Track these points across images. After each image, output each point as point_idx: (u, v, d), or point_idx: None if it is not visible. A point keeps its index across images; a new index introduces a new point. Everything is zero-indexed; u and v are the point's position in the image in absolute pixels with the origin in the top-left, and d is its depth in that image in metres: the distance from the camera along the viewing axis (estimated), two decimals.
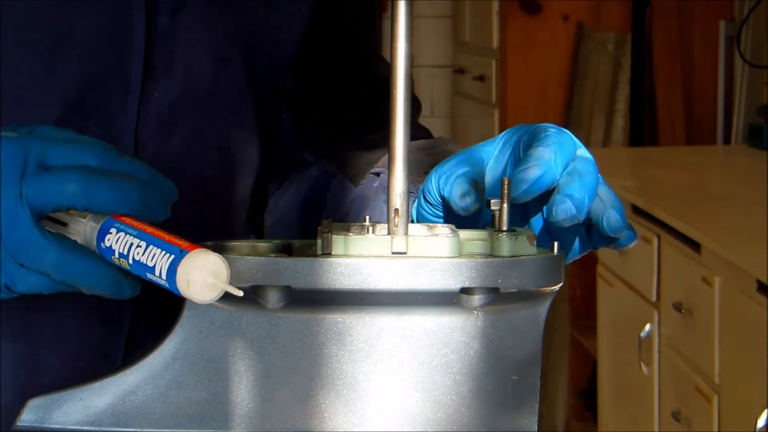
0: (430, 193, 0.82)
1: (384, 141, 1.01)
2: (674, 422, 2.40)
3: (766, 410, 1.97)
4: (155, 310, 0.97)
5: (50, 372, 0.94)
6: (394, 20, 0.70)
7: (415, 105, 1.14)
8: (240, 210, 1.04)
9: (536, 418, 0.74)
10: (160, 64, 0.94)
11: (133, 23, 0.92)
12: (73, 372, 0.95)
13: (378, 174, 0.99)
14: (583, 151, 0.80)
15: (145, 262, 0.70)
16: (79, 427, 0.73)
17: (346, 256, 0.70)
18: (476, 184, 0.78)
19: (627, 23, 3.62)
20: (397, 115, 0.71)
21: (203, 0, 0.96)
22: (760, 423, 1.98)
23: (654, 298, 2.53)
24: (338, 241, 0.70)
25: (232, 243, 0.74)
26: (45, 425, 0.73)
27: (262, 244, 0.74)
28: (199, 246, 0.69)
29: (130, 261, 0.70)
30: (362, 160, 1.02)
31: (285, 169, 1.09)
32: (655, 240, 2.50)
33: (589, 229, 0.81)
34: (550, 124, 0.81)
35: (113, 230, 0.72)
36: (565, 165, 0.77)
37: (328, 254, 0.70)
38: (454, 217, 0.81)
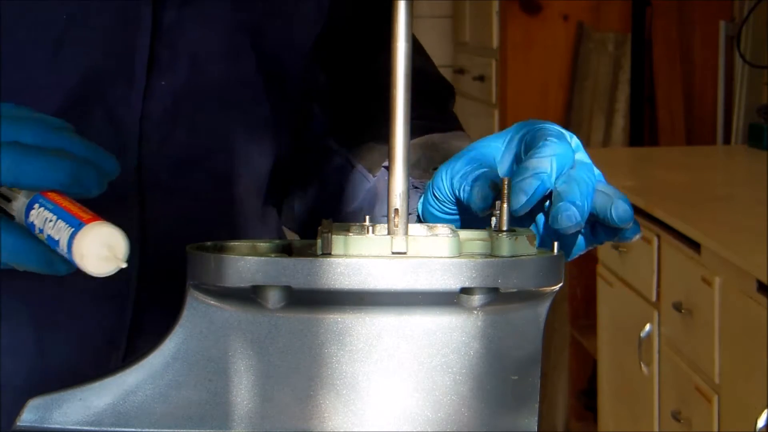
0: (440, 191, 0.82)
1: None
2: (674, 422, 2.40)
3: (766, 410, 1.97)
4: (161, 291, 0.97)
5: (55, 357, 0.94)
6: (394, 20, 0.70)
7: (449, 94, 1.13)
8: (253, 201, 1.04)
9: (536, 418, 0.74)
10: (165, 57, 0.94)
11: (139, 15, 0.92)
12: (79, 356, 0.95)
13: (388, 168, 0.99)
14: (581, 155, 0.80)
15: (54, 236, 0.70)
16: (79, 427, 0.73)
17: (346, 256, 0.70)
18: (495, 185, 0.78)
19: (627, 23, 3.62)
20: (397, 115, 0.71)
21: None
22: (760, 423, 1.98)
23: (654, 298, 2.53)
24: (338, 241, 0.70)
25: (232, 243, 0.74)
26: (45, 425, 0.73)
27: (262, 244, 0.74)
28: (100, 219, 0.69)
29: (45, 236, 0.71)
30: (379, 151, 1.02)
31: (312, 159, 1.09)
32: (655, 240, 2.51)
33: (593, 225, 0.82)
34: (552, 127, 0.81)
35: (36, 206, 0.72)
36: (560, 173, 0.78)
37: (328, 254, 0.70)
38: (468, 216, 0.81)
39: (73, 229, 0.69)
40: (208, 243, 0.73)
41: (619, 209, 0.78)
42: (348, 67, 1.08)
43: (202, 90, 0.96)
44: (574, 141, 0.82)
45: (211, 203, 0.99)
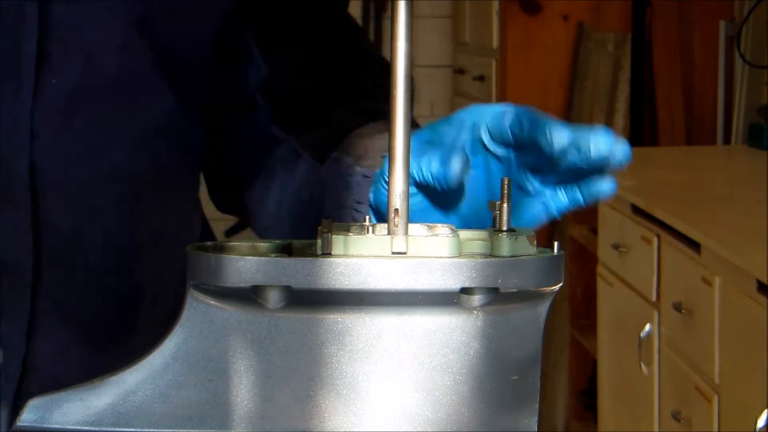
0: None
1: (351, 117, 1.00)
2: (674, 422, 2.40)
3: (766, 410, 1.97)
4: (58, 291, 0.97)
5: None
6: (394, 20, 0.70)
7: (385, 67, 1.11)
8: (153, 195, 1.02)
9: (536, 418, 0.74)
10: (55, 53, 0.93)
11: (24, 12, 0.91)
12: None
13: (337, 159, 0.97)
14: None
15: None
16: (79, 427, 0.73)
17: (346, 256, 0.70)
18: (462, 156, 0.77)
19: (627, 23, 3.62)
20: (397, 115, 0.71)
21: None
22: (760, 423, 1.98)
23: (654, 298, 2.53)
24: (338, 241, 0.70)
25: (232, 243, 0.74)
26: (45, 425, 0.73)
27: (262, 244, 0.74)
28: None
29: None
30: (327, 141, 1.00)
31: (258, 149, 1.08)
32: (655, 240, 2.50)
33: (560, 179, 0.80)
34: (503, 106, 0.79)
35: None
36: None
37: (328, 254, 0.70)
38: (432, 195, 0.80)
39: None
40: (208, 243, 0.73)
41: (598, 134, 0.76)
42: (288, 55, 1.06)
43: (97, 85, 0.95)
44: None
45: (108, 199, 0.98)
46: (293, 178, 1.01)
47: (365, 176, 0.91)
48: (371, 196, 0.84)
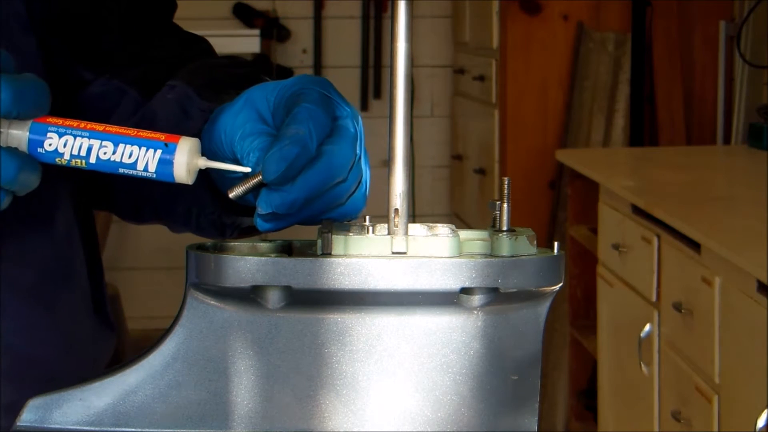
0: (218, 147, 0.82)
1: (174, 49, 0.99)
2: (674, 422, 2.40)
3: (766, 410, 1.97)
4: None
5: None
6: (394, 20, 0.71)
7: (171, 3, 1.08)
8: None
9: (536, 418, 0.74)
10: None
11: None
12: None
13: (173, 87, 0.95)
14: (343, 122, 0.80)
15: (118, 160, 0.74)
16: (79, 427, 0.73)
17: (346, 256, 0.70)
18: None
19: (627, 23, 3.62)
20: (397, 115, 0.71)
21: None
22: (760, 423, 1.98)
23: (654, 298, 2.53)
24: (338, 241, 0.70)
25: (232, 243, 0.74)
26: (45, 425, 0.73)
27: (262, 244, 0.74)
28: (173, 135, 0.74)
29: (92, 161, 0.74)
30: (157, 73, 0.98)
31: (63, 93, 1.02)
32: (655, 240, 2.50)
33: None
34: (315, 89, 0.80)
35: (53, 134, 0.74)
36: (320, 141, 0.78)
37: (328, 254, 0.70)
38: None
39: (161, 150, 0.73)
40: (208, 243, 0.73)
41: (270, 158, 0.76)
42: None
43: None
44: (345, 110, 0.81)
45: None
46: (116, 115, 1.00)
47: (202, 110, 0.92)
48: (204, 135, 0.85)
